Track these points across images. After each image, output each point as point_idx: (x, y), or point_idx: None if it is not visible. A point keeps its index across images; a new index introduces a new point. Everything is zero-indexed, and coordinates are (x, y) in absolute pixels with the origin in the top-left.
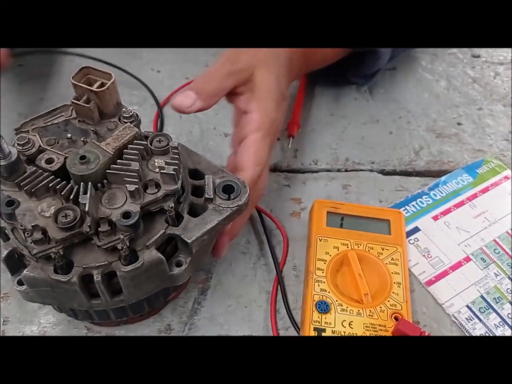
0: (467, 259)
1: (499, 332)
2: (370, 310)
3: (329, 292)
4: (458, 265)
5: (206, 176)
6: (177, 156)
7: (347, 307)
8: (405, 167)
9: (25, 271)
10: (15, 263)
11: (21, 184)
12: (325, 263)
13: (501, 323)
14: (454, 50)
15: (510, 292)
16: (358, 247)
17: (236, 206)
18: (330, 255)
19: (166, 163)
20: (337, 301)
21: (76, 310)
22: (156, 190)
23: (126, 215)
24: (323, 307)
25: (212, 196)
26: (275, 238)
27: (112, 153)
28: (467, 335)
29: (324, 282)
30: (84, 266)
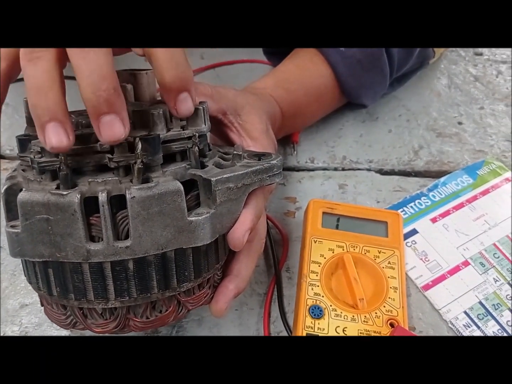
0: (466, 263)
1: None
2: (365, 316)
3: (323, 296)
4: (456, 270)
5: (235, 145)
6: (205, 106)
7: (341, 313)
8: (404, 167)
9: (23, 191)
10: (12, 202)
11: None
12: (319, 266)
13: (500, 331)
14: None
15: (510, 298)
16: (354, 249)
17: (267, 163)
18: (325, 258)
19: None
20: (331, 306)
21: (66, 278)
22: (182, 130)
23: (146, 136)
24: (317, 312)
25: (241, 153)
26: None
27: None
28: None
29: (318, 286)
30: (89, 180)
